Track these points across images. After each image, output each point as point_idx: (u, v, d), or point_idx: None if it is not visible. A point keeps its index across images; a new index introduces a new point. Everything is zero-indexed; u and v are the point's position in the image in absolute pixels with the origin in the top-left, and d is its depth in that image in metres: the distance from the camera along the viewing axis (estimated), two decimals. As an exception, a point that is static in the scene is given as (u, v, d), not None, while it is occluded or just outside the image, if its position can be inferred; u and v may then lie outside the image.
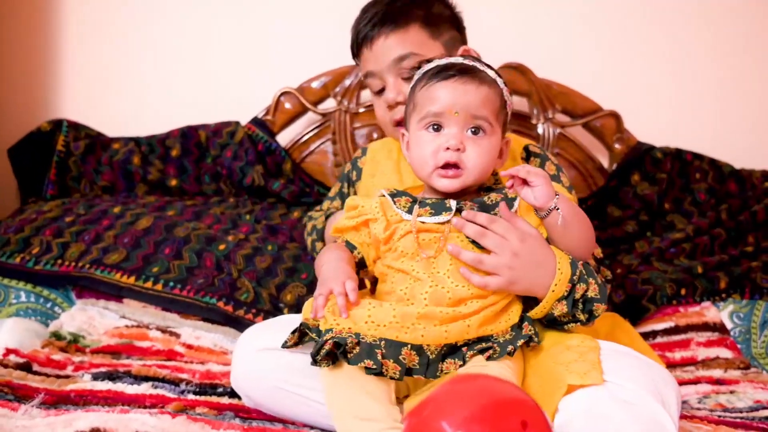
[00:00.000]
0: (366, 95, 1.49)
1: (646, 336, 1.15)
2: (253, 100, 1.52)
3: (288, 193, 1.41)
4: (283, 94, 1.49)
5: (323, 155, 1.49)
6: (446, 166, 0.79)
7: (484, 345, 0.73)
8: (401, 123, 0.96)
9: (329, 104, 1.49)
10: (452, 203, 0.79)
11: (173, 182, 1.44)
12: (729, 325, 1.16)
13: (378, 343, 0.70)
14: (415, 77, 0.84)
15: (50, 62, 1.58)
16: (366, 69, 0.99)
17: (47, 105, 1.59)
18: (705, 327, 1.15)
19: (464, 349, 0.73)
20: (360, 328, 0.71)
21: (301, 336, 0.76)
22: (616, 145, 1.45)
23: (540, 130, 1.45)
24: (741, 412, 0.90)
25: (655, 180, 1.40)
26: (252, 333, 0.84)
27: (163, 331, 1.06)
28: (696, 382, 1.01)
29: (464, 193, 0.81)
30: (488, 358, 0.72)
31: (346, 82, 1.48)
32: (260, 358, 0.79)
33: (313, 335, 0.74)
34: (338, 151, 1.48)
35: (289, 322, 0.84)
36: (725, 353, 1.11)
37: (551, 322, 0.80)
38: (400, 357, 0.70)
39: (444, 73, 0.80)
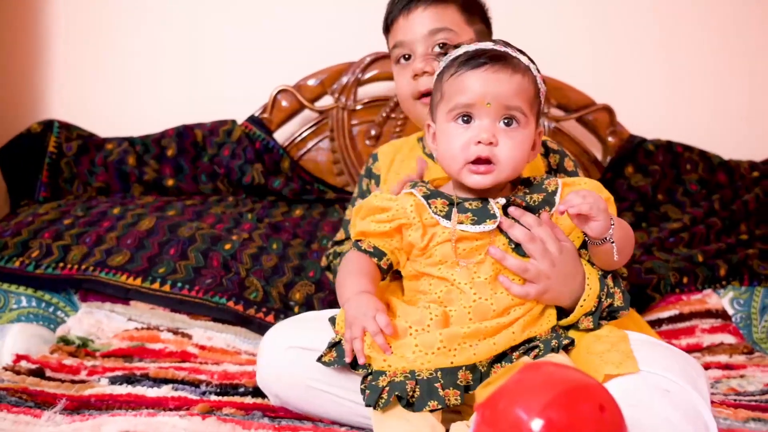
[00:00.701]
0: (363, 92, 1.48)
1: (652, 324, 1.17)
2: (249, 98, 1.49)
3: (289, 190, 1.39)
4: (279, 92, 1.47)
5: (321, 153, 1.48)
6: (477, 161, 0.73)
7: (528, 345, 0.72)
8: (424, 95, 0.92)
9: (326, 102, 1.48)
10: (495, 209, 0.74)
11: (170, 182, 1.41)
12: (730, 312, 1.19)
13: (435, 375, 0.67)
14: (442, 64, 0.78)
15: (39, 61, 1.53)
16: (396, 39, 0.97)
17: (36, 105, 1.53)
18: (708, 314, 1.17)
19: (510, 353, 0.72)
20: (410, 362, 0.68)
21: (338, 351, 0.73)
22: (610, 139, 1.47)
23: (536, 125, 1.46)
24: (753, 395, 0.92)
25: (648, 172, 1.43)
26: (279, 331, 0.80)
27: (175, 332, 1.04)
28: (706, 368, 1.01)
29: (497, 189, 0.77)
30: (535, 357, 0.71)
31: (344, 79, 1.47)
32: (290, 357, 0.76)
33: (359, 371, 0.70)
34: (336, 149, 1.47)
35: (316, 319, 0.81)
36: (729, 339, 1.13)
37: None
38: (458, 381, 0.68)
39: (474, 60, 0.74)
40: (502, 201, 0.76)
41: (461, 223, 0.73)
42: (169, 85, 1.55)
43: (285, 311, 1.11)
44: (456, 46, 0.79)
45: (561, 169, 0.95)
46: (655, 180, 1.42)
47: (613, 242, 0.73)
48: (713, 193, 1.41)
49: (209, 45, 1.56)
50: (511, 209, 0.75)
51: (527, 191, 0.78)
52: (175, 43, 1.55)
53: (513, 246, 0.75)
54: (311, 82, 1.47)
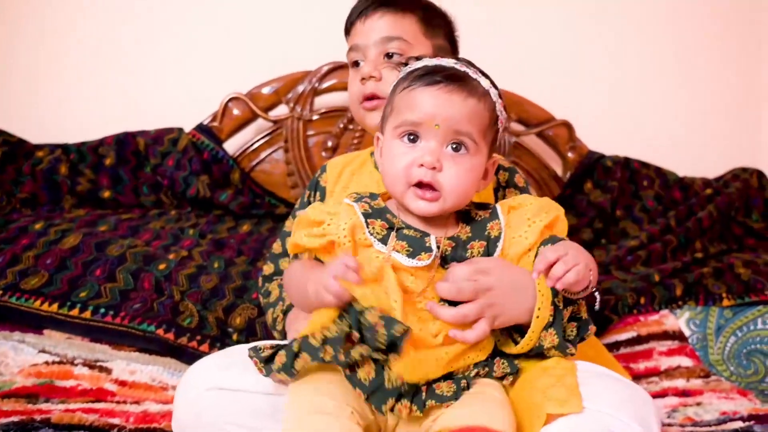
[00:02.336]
0: (320, 102, 1.38)
1: (610, 347, 1.11)
2: (199, 105, 1.36)
3: (237, 204, 1.26)
4: (231, 99, 1.34)
5: (275, 164, 1.36)
6: (420, 185, 0.67)
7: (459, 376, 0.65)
8: (370, 98, 0.88)
9: (281, 111, 1.36)
10: (433, 242, 0.67)
11: (106, 194, 1.26)
12: (687, 333, 1.14)
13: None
14: (399, 75, 0.72)
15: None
16: (352, 42, 0.93)
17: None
18: (665, 335, 1.12)
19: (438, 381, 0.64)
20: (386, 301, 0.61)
21: (288, 356, 0.64)
22: (569, 154, 1.41)
23: (496, 139, 1.39)
24: (710, 425, 0.87)
25: (607, 188, 1.39)
26: (199, 368, 0.69)
27: (91, 366, 0.88)
28: (663, 394, 0.97)
29: (441, 218, 0.69)
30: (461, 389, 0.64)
31: (299, 88, 1.35)
32: (209, 399, 0.66)
33: (331, 351, 0.61)
34: (290, 160, 1.35)
35: (243, 354, 0.70)
36: (686, 362, 1.08)
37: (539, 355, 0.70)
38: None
39: (429, 77, 0.68)
40: (434, 244, 0.67)
41: (396, 251, 0.66)
42: (113, 88, 1.40)
43: (222, 339, 0.97)
44: (418, 58, 0.72)
45: (511, 184, 0.88)
46: (613, 196, 1.38)
47: (596, 291, 0.67)
48: (669, 210, 1.37)
49: (157, 49, 1.41)
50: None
51: (469, 234, 0.69)
52: (120, 42, 1.40)
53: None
54: (265, 91, 1.35)
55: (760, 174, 1.46)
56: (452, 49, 0.96)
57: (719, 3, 1.52)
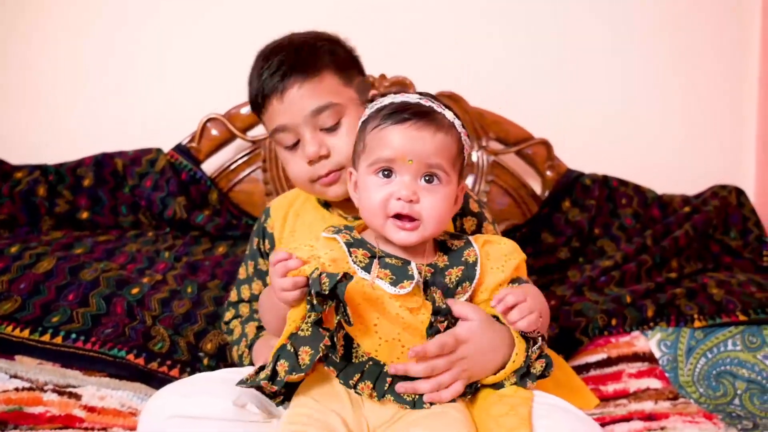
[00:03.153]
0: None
1: (579, 369, 1.12)
2: (177, 125, 1.38)
3: (213, 226, 1.28)
4: (209, 120, 1.36)
5: (254, 184, 1.38)
6: (399, 216, 0.70)
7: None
8: (324, 177, 0.85)
9: (259, 131, 1.38)
10: (415, 270, 0.71)
11: (84, 215, 1.28)
12: (657, 354, 1.14)
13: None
14: (367, 112, 0.75)
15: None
16: (276, 123, 0.85)
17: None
18: (635, 357, 1.12)
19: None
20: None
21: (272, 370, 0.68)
22: (548, 173, 1.43)
23: (474, 158, 1.41)
24: None
25: (585, 206, 1.40)
26: (161, 396, 0.72)
27: (61, 392, 0.90)
28: (629, 418, 0.96)
29: (420, 247, 0.73)
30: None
31: (277, 107, 1.37)
32: (172, 427, 0.67)
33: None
34: (269, 180, 1.37)
35: (206, 381, 0.73)
36: (655, 383, 1.08)
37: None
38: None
39: (398, 115, 0.72)
40: (416, 271, 0.71)
41: (380, 278, 0.69)
42: (92, 108, 1.42)
43: (192, 364, 0.98)
44: (383, 95, 0.76)
45: (467, 211, 0.90)
46: (591, 215, 1.39)
47: (542, 337, 0.71)
48: (648, 228, 1.38)
49: (137, 67, 1.43)
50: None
51: (447, 263, 0.74)
52: (98, 63, 1.42)
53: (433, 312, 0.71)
54: (244, 111, 1.37)
55: (739, 191, 1.47)
56: (364, 76, 0.92)
57: (698, 20, 1.54)
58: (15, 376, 0.93)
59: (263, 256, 0.95)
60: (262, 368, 0.69)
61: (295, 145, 0.86)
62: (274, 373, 0.68)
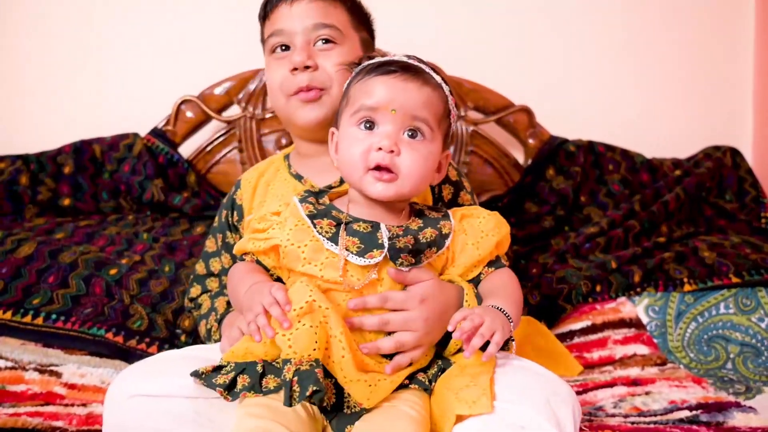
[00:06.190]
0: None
1: (563, 337, 1.13)
2: (153, 109, 1.43)
3: (190, 207, 1.33)
4: (183, 102, 1.41)
5: (231, 164, 1.43)
6: (378, 168, 0.70)
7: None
8: (301, 91, 0.87)
9: (234, 111, 1.42)
10: (384, 236, 0.71)
11: (66, 201, 1.34)
12: (645, 320, 1.14)
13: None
14: (353, 73, 0.76)
15: None
16: (275, 27, 0.90)
17: None
18: (621, 323, 1.13)
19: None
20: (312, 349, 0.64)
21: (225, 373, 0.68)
22: (530, 141, 1.44)
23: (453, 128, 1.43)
24: (655, 415, 0.88)
25: (570, 174, 1.39)
26: (124, 376, 0.72)
27: (42, 371, 0.97)
28: (612, 384, 0.97)
29: (394, 210, 0.74)
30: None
31: (251, 86, 1.41)
32: (133, 407, 0.69)
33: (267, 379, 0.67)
34: (245, 159, 1.42)
35: (168, 361, 0.75)
36: (642, 349, 1.09)
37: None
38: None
39: (384, 67, 0.72)
40: (387, 238, 0.70)
41: (348, 248, 0.70)
42: (68, 97, 1.47)
43: (171, 340, 1.05)
44: (369, 57, 0.77)
45: (446, 180, 0.92)
46: (576, 182, 1.38)
47: (512, 340, 0.73)
48: (636, 194, 1.37)
49: (109, 55, 1.48)
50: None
51: (420, 224, 0.74)
52: (72, 50, 1.47)
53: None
54: (217, 91, 1.42)
55: (734, 151, 1.44)
56: (373, 43, 0.98)
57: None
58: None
59: (231, 229, 0.99)
60: (219, 368, 0.69)
61: (284, 51, 0.89)
62: (233, 382, 0.67)
